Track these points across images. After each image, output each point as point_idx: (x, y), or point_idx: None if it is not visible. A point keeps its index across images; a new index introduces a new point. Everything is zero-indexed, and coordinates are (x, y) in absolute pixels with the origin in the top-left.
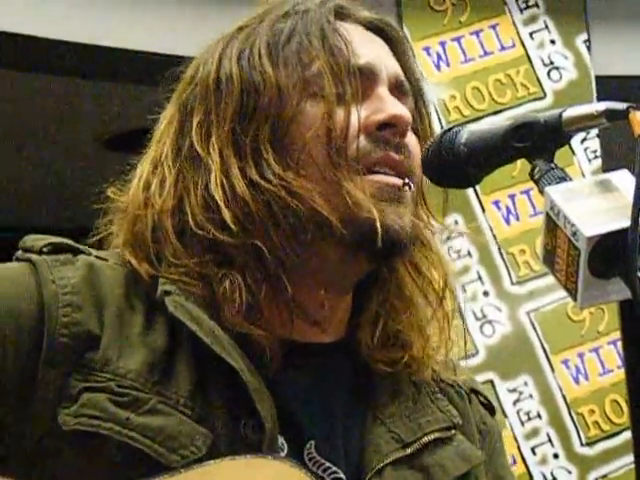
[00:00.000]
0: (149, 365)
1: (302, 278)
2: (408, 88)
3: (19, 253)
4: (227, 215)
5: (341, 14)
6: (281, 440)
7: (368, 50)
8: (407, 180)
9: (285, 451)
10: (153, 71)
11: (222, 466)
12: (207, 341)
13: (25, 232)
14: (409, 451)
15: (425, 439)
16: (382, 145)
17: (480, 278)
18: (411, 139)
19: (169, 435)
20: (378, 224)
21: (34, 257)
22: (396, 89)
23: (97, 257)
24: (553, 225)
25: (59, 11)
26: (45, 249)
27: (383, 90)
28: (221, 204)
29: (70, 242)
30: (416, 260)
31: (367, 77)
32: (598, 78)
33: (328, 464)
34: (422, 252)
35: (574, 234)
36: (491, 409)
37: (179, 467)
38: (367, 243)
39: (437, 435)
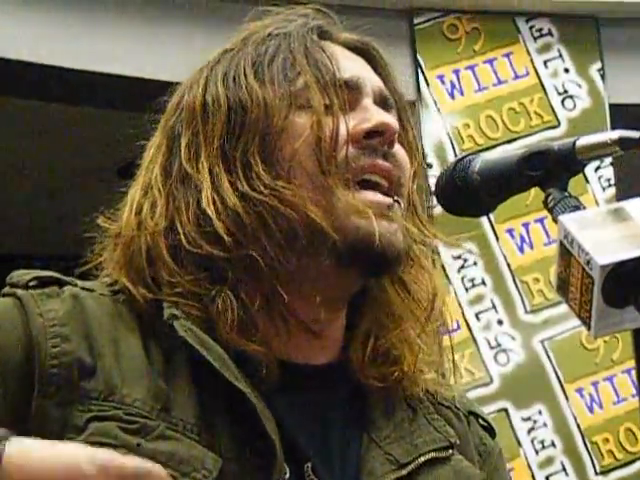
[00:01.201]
0: (153, 393)
1: (296, 288)
2: (392, 103)
3: (6, 289)
4: (220, 227)
5: (322, 35)
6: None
7: (351, 65)
8: (396, 197)
9: (287, 474)
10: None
11: None
12: (216, 365)
13: (37, 260)
14: (404, 472)
15: (421, 459)
16: (370, 153)
17: (494, 307)
18: (399, 150)
19: (181, 459)
20: (375, 226)
21: (19, 292)
22: (380, 102)
23: (83, 288)
24: (567, 253)
25: (70, 40)
26: (31, 283)
27: (368, 101)
28: (213, 217)
29: (56, 274)
30: (404, 277)
31: (352, 90)
32: (612, 106)
33: None
34: (410, 268)
35: (588, 262)
36: (491, 431)
37: None
38: (361, 250)
39: (434, 455)
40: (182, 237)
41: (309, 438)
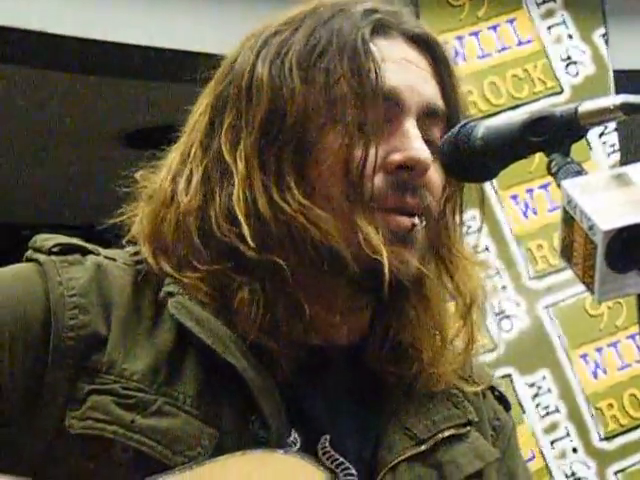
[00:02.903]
0: (155, 366)
1: (314, 297)
2: (442, 111)
3: (29, 253)
4: (246, 231)
5: (383, 27)
6: (294, 435)
7: (400, 74)
8: (417, 220)
9: (297, 445)
10: (171, 68)
11: (233, 461)
12: (208, 342)
13: (44, 229)
14: (423, 448)
15: (440, 436)
16: (398, 188)
17: (498, 273)
18: (433, 175)
19: (175, 437)
20: (386, 268)
21: (42, 258)
22: (426, 116)
23: (106, 257)
24: (570, 219)
25: (77, 9)
26: (54, 249)
27: (409, 123)
28: (241, 218)
29: (79, 242)
30: (427, 292)
31: (393, 105)
32: (616, 72)
33: (341, 459)
34: (435, 285)
35: (590, 228)
36: (506, 404)
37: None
38: (373, 282)
39: (452, 432)
40: (213, 223)
41: (328, 414)
